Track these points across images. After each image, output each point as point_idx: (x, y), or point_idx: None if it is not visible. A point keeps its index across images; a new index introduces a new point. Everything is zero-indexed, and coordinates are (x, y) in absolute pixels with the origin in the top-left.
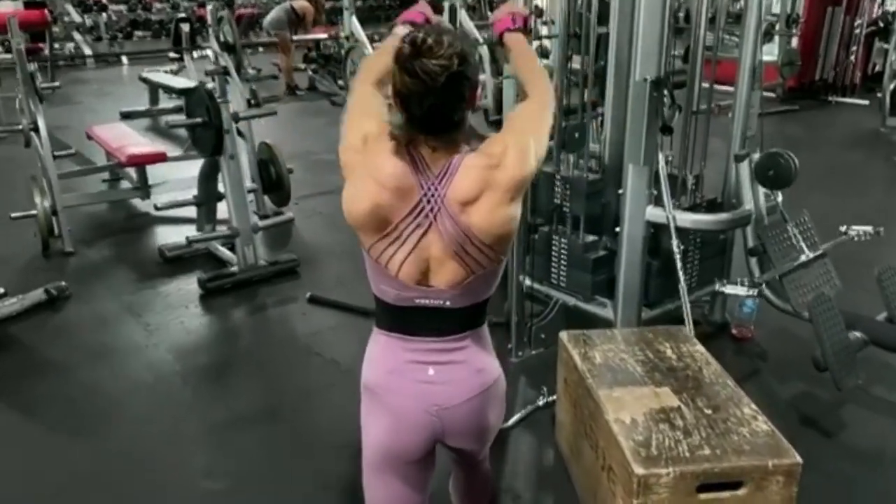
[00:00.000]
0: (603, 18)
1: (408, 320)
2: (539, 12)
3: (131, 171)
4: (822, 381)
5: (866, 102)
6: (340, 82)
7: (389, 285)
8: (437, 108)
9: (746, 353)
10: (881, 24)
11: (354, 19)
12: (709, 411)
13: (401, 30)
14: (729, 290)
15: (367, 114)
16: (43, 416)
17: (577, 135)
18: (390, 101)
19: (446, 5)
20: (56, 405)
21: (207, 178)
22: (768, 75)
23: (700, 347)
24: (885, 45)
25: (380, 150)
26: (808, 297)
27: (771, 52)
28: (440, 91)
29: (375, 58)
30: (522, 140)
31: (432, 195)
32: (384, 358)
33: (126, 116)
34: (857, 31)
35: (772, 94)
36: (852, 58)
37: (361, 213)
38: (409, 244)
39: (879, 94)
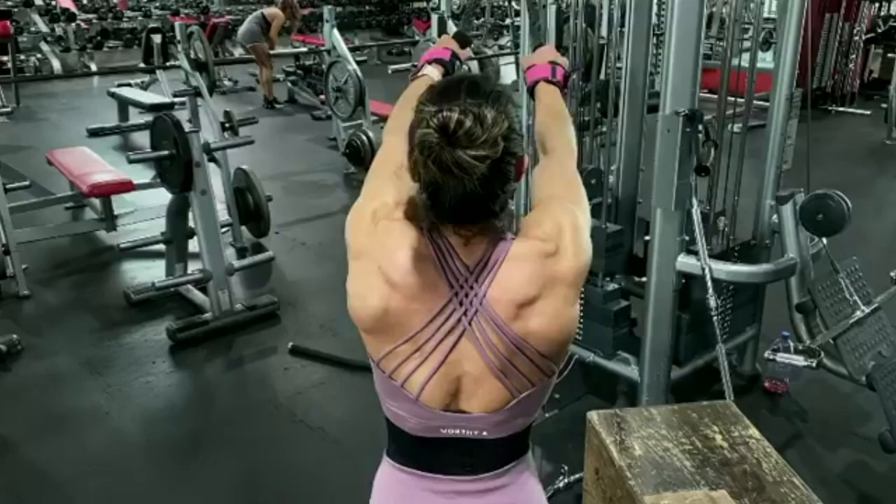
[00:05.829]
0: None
1: (431, 455)
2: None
3: (95, 201)
4: (873, 447)
5: (867, 112)
6: (321, 96)
7: (407, 410)
8: (475, 199)
9: (783, 411)
10: (879, 30)
11: (336, 32)
12: None
13: (431, 70)
14: (782, 359)
15: (386, 178)
16: None
17: (592, 181)
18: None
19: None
20: None
21: (176, 215)
22: (765, 84)
23: (754, 431)
24: (878, 51)
25: (391, 232)
26: (865, 360)
27: (765, 60)
28: (479, 182)
29: (401, 108)
30: (572, 213)
31: (465, 295)
32: (399, 501)
33: (93, 134)
34: (857, 37)
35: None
36: (851, 65)
37: (368, 315)
38: (435, 359)
39: (884, 106)
